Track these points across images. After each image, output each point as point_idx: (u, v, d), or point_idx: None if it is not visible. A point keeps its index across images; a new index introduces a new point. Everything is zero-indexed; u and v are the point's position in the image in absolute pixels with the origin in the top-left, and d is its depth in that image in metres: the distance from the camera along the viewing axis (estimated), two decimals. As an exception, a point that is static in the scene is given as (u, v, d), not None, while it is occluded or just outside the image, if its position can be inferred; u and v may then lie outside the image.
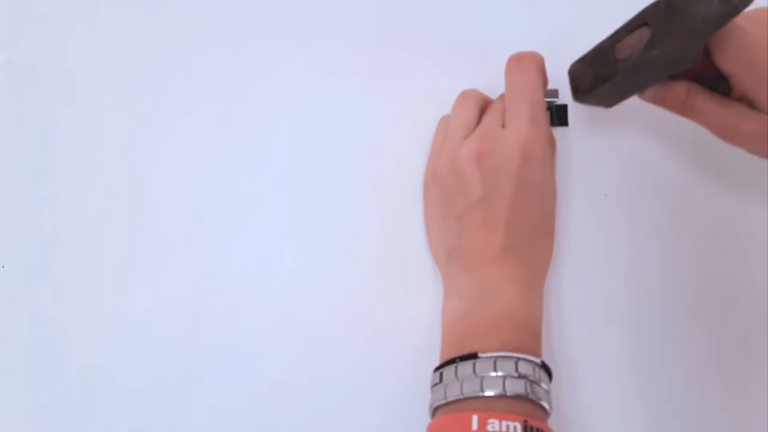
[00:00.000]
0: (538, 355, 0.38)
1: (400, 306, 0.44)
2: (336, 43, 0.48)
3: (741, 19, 0.35)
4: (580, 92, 0.42)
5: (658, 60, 0.37)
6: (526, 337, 0.38)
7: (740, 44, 0.37)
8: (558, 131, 0.47)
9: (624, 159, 0.47)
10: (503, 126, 0.42)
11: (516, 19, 0.49)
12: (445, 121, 0.46)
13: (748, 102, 0.39)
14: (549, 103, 0.47)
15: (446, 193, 0.43)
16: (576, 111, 0.47)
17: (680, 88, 0.40)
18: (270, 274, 0.44)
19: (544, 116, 0.42)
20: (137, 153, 0.46)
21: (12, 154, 0.45)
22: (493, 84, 0.45)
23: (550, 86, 0.46)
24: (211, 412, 0.42)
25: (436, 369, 0.38)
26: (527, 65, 0.43)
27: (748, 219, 0.47)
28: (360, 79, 0.48)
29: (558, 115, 0.48)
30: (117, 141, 0.46)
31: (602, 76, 0.40)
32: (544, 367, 0.37)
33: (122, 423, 0.42)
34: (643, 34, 0.38)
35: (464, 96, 0.46)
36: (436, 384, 0.38)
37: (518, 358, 0.36)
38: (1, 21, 0.46)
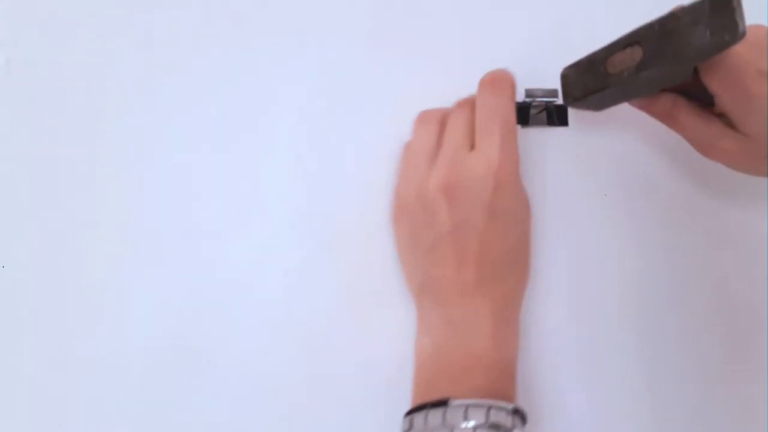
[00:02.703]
0: (511, 398, 0.37)
1: (400, 304, 0.44)
2: (335, 44, 0.48)
3: None
4: (570, 98, 0.43)
5: (648, 80, 0.39)
6: (499, 378, 0.37)
7: (728, 68, 0.37)
8: (558, 131, 0.47)
9: (624, 159, 0.47)
10: (471, 147, 0.41)
11: (514, 20, 0.49)
12: (407, 148, 0.45)
13: (728, 120, 0.40)
14: (548, 103, 0.47)
15: (415, 225, 0.41)
16: (575, 111, 0.47)
17: (667, 100, 0.41)
18: (268, 274, 0.44)
19: (515, 139, 0.41)
20: (137, 153, 0.46)
21: (12, 154, 0.45)
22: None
23: (550, 86, 0.46)
24: (210, 412, 0.42)
25: (407, 414, 0.37)
26: (501, 87, 0.42)
27: (749, 219, 0.47)
28: (360, 80, 0.48)
29: (558, 115, 0.48)
30: (117, 141, 0.46)
31: (593, 86, 0.41)
32: (518, 412, 0.36)
33: (121, 423, 0.42)
34: (635, 53, 0.38)
35: (421, 119, 0.44)
36: (406, 431, 0.36)
37: (490, 406, 0.34)
38: (1, 21, 0.47)
